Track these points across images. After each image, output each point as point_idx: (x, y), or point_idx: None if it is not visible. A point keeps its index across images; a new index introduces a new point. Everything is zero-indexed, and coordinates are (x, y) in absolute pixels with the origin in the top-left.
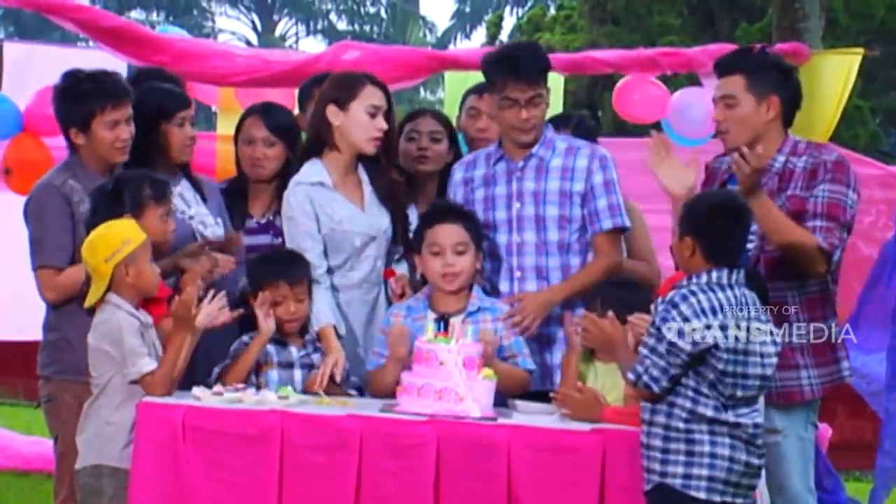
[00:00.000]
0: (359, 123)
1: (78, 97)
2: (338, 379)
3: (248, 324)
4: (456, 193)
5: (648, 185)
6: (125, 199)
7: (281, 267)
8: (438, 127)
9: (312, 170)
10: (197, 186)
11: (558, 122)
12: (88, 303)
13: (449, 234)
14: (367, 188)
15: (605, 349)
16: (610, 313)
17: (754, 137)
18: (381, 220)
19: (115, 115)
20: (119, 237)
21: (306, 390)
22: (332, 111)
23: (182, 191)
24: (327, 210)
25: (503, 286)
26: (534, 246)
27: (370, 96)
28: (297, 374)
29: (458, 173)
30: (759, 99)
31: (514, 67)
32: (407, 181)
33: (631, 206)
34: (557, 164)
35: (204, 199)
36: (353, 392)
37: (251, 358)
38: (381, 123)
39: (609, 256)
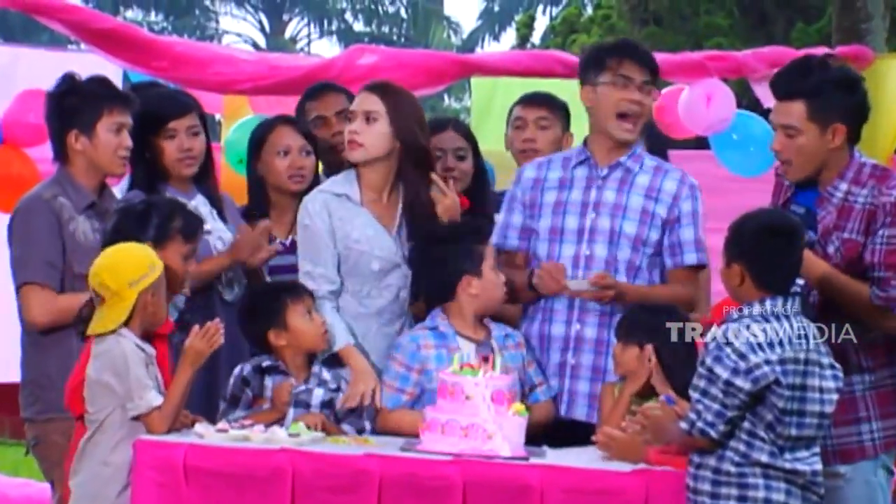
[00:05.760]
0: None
1: (84, 97)
2: (375, 403)
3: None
4: (523, 193)
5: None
6: (151, 224)
7: (294, 283)
8: (462, 142)
9: (342, 179)
10: (214, 202)
11: None
12: (97, 330)
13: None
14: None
15: (658, 438)
16: (661, 399)
17: (819, 168)
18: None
19: (120, 118)
20: (146, 261)
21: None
22: None
23: (198, 205)
24: (346, 226)
25: (560, 302)
26: (603, 262)
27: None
28: (290, 411)
29: (529, 171)
30: (823, 128)
31: (631, 50)
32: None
33: None
34: (643, 181)
35: (222, 216)
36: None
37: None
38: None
39: (688, 290)
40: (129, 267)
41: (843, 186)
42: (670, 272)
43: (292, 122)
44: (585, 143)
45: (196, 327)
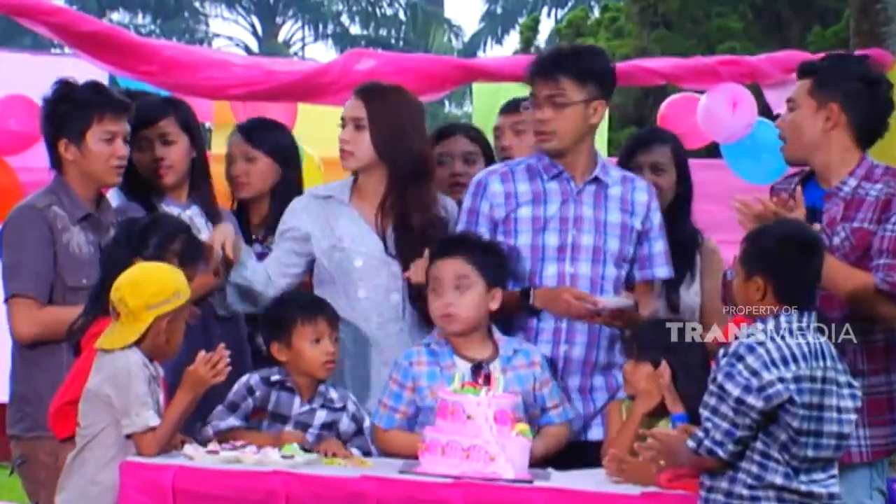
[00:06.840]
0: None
1: (75, 104)
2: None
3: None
4: (491, 208)
5: (705, 212)
6: (150, 242)
7: (316, 304)
8: (472, 146)
9: (336, 184)
10: (210, 213)
11: (653, 137)
12: (105, 345)
13: (449, 268)
14: None
15: (672, 462)
16: (675, 426)
17: (810, 149)
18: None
19: (112, 126)
20: (172, 286)
21: None
22: None
23: (192, 216)
24: (332, 222)
25: (546, 322)
26: (588, 280)
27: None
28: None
29: (495, 184)
30: (819, 105)
31: (536, 62)
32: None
33: (712, 247)
34: (616, 194)
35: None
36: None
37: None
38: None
39: (656, 304)
40: (152, 289)
41: (853, 182)
42: (638, 285)
43: (241, 127)
44: (543, 154)
45: (202, 353)
